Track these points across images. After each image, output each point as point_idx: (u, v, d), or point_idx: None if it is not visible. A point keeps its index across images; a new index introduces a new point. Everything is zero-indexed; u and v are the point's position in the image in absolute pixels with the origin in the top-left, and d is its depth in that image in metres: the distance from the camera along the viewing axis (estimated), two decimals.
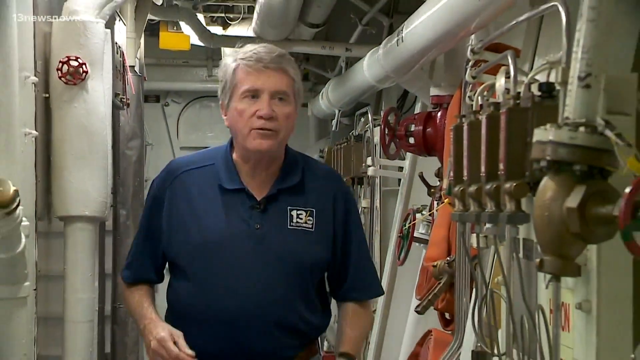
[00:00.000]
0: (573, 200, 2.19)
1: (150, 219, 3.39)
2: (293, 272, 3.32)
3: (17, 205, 2.96)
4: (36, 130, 4.18)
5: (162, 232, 3.34)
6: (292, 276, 3.31)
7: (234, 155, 3.36)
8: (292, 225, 3.31)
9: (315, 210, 3.34)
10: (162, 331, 3.15)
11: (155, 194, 3.40)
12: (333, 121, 8.78)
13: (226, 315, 3.25)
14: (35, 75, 4.18)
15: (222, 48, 9.58)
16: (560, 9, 2.57)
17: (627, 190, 2.04)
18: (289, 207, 3.32)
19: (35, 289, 4.02)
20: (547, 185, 2.27)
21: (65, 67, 4.47)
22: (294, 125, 3.32)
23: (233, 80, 3.24)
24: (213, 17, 9.03)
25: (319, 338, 3.60)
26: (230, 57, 3.34)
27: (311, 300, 3.40)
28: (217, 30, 9.12)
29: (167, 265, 3.48)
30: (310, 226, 3.33)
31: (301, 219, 3.31)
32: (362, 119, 7.86)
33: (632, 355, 1.90)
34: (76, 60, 4.49)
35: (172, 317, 3.38)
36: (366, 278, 3.57)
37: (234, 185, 3.31)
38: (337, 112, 8.66)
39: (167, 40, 9.67)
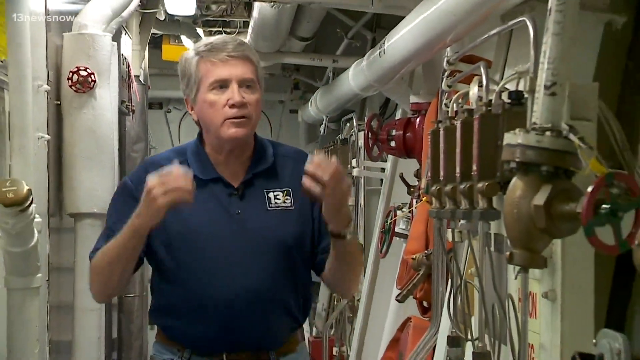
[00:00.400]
0: (540, 198, 2.20)
1: (125, 201, 3.04)
2: (279, 253, 3.09)
3: (30, 203, 2.97)
4: (48, 134, 4.18)
5: None
6: (279, 257, 3.09)
7: (206, 148, 3.13)
8: (272, 207, 3.10)
9: (292, 189, 3.12)
10: (145, 190, 2.81)
11: (131, 188, 3.07)
12: (321, 126, 8.78)
13: (214, 303, 3.01)
14: (47, 84, 4.18)
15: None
16: (528, 23, 2.59)
17: (590, 189, 2.05)
18: (265, 190, 3.11)
19: (47, 280, 4.03)
20: (516, 184, 2.28)
21: (75, 76, 4.47)
22: (260, 111, 3.14)
23: (197, 73, 3.04)
24: (211, 31, 9.00)
25: (302, 327, 3.43)
26: (189, 52, 3.16)
27: (299, 282, 3.17)
28: None
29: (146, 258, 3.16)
30: (290, 204, 3.12)
31: (279, 199, 3.11)
32: (348, 124, 7.87)
33: (594, 340, 1.91)
34: (85, 70, 4.49)
35: (159, 310, 3.18)
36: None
37: (209, 175, 3.08)
38: (325, 118, 8.65)
39: (169, 52, 9.68)
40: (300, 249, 3.16)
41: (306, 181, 2.80)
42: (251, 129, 3.07)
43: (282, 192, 3.12)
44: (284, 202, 3.11)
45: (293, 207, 3.11)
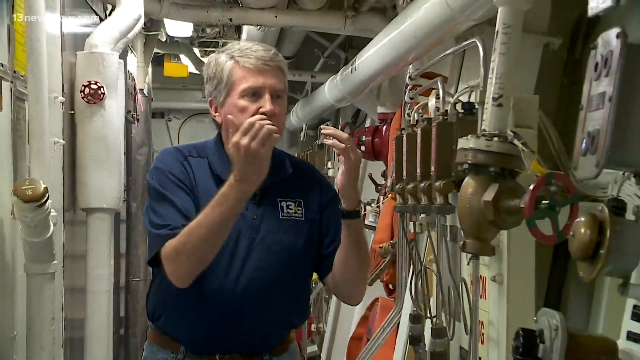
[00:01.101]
0: (489, 195, 2.20)
1: (184, 186, 2.68)
2: (288, 260, 2.76)
3: (47, 200, 2.95)
4: (63, 139, 4.16)
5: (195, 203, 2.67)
6: (287, 264, 2.76)
7: (227, 150, 2.67)
8: (284, 216, 2.77)
9: (303, 201, 2.82)
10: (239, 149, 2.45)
11: (176, 166, 2.71)
12: (301, 133, 8.76)
13: (225, 301, 2.66)
14: (62, 96, 4.16)
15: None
16: (479, 44, 2.59)
17: (531, 187, 2.05)
18: (278, 199, 2.78)
19: (62, 266, 4.01)
20: (469, 183, 2.27)
21: (87, 89, 4.45)
22: (285, 122, 2.86)
23: (230, 77, 2.68)
24: (206, 50, 8.98)
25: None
26: (223, 55, 2.75)
27: (302, 289, 2.90)
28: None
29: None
30: (301, 215, 2.79)
31: (291, 209, 2.79)
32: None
33: (535, 318, 1.90)
34: (96, 84, 4.47)
35: (165, 307, 2.77)
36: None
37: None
38: (304, 125, 8.63)
39: (170, 69, 9.65)
40: (306, 258, 2.85)
41: (327, 140, 2.64)
42: (277, 140, 2.63)
43: (295, 202, 2.82)
44: (296, 212, 2.81)
45: (304, 218, 2.81)
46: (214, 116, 2.80)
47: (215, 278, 2.65)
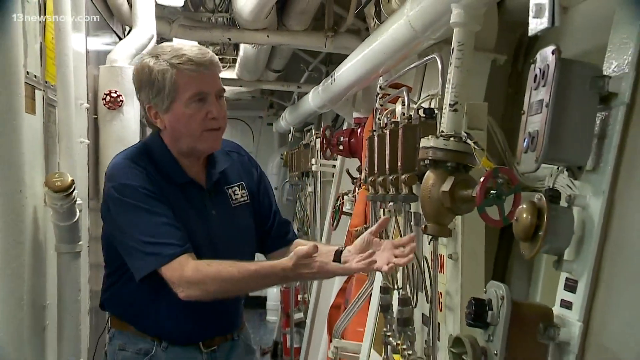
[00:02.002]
0: (446, 186, 2.20)
1: (161, 200, 2.40)
2: (246, 244, 2.61)
3: (73, 190, 2.94)
4: (88, 139, 4.15)
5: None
6: (246, 248, 2.60)
7: (173, 152, 2.49)
8: (234, 203, 2.57)
9: (245, 183, 2.61)
10: (314, 265, 2.26)
11: (145, 180, 2.41)
12: (289, 135, 8.75)
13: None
14: (87, 103, 4.15)
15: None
16: (437, 59, 2.59)
17: (481, 179, 2.06)
18: (225, 187, 2.57)
19: (88, 246, 4.00)
20: (429, 176, 2.28)
21: (108, 97, 4.45)
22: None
23: (172, 85, 2.36)
24: None
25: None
26: (160, 62, 2.39)
27: None
28: None
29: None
30: (246, 198, 2.58)
31: (237, 194, 2.57)
32: (308, 133, 7.83)
33: (484, 289, 1.90)
34: (115, 93, 4.46)
35: (142, 308, 2.50)
36: (287, 227, 2.81)
37: (184, 179, 2.48)
38: (292, 128, 8.63)
39: None
40: (255, 237, 2.69)
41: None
42: (221, 139, 2.52)
43: (238, 186, 2.60)
44: (242, 196, 2.59)
45: (249, 200, 2.60)
46: (155, 122, 2.49)
47: None
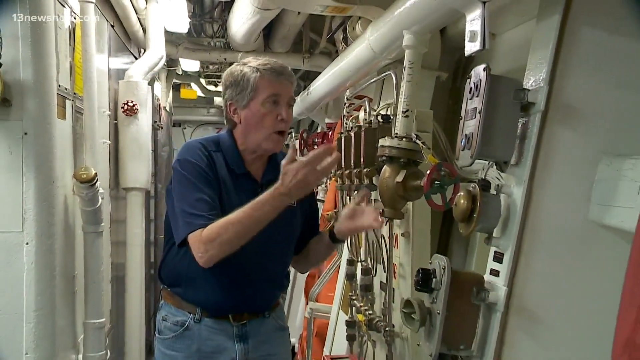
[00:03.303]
0: (399, 178, 2.20)
1: (211, 179, 2.23)
2: (285, 240, 2.42)
3: (96, 181, 2.91)
4: (109, 140, 4.11)
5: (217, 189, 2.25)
6: (285, 243, 2.42)
7: (239, 146, 2.33)
8: None
9: None
10: (291, 169, 2.04)
11: (201, 165, 2.24)
12: None
13: (238, 272, 2.26)
14: (109, 110, 4.11)
15: (214, 97, 9.56)
16: (393, 75, 2.58)
17: (428, 172, 2.06)
18: None
19: (110, 227, 3.96)
20: (386, 169, 2.27)
21: (126, 106, 4.41)
22: None
23: (254, 85, 2.25)
24: (210, 80, 8.87)
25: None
26: (246, 67, 2.30)
27: (289, 261, 2.52)
28: (211, 87, 8.99)
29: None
30: (294, 202, 2.18)
31: None
32: (290, 135, 7.83)
33: (430, 261, 1.91)
34: (132, 102, 4.42)
35: (182, 277, 2.33)
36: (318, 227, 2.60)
37: (242, 170, 2.31)
38: None
39: (184, 93, 9.51)
40: (295, 238, 2.48)
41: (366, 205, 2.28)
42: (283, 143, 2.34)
43: None
44: None
45: (295, 205, 2.22)
46: (232, 116, 2.33)
47: (238, 251, 2.15)
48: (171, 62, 7.07)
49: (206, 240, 2.12)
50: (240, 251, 2.14)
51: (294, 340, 5.88)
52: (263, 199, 2.08)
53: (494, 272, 1.81)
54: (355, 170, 2.84)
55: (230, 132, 2.38)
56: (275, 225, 2.15)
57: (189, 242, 2.17)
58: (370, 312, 2.86)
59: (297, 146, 6.26)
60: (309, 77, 7.14)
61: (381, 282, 2.87)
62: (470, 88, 1.78)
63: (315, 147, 5.38)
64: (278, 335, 2.46)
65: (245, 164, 2.34)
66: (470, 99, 1.78)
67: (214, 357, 2.33)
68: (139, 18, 4.90)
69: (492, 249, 1.84)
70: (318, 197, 5.43)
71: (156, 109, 5.98)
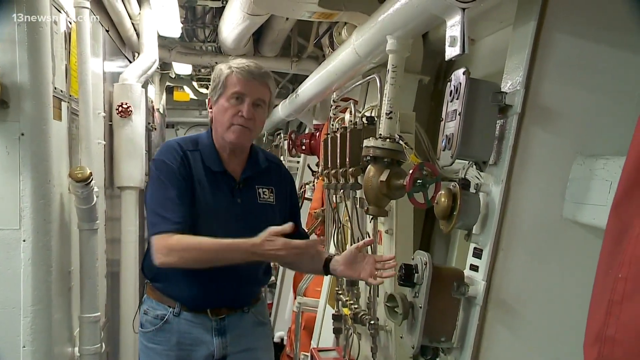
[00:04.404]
0: (383, 177, 2.20)
1: (182, 179, 2.24)
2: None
3: (91, 181, 2.89)
4: (104, 141, 4.09)
5: (191, 191, 2.26)
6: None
7: (215, 145, 2.34)
8: (261, 200, 2.36)
9: (274, 188, 2.40)
10: (277, 241, 2.10)
11: (177, 161, 2.26)
12: (263, 137, 8.71)
13: (217, 269, 2.18)
14: (104, 112, 4.08)
15: (205, 99, 9.53)
16: (377, 78, 2.59)
17: (410, 171, 2.06)
18: (256, 186, 2.36)
19: (105, 225, 3.94)
20: (370, 169, 2.28)
21: (120, 108, 4.38)
22: (263, 126, 2.38)
23: (225, 82, 2.28)
24: (202, 83, 8.84)
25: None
26: (225, 65, 2.35)
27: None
28: (203, 90, 8.97)
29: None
30: (273, 200, 2.36)
31: (265, 195, 2.37)
32: (278, 136, 7.81)
33: (412, 257, 1.91)
34: (126, 104, 4.39)
35: (162, 271, 2.26)
36: (302, 230, 2.53)
37: (218, 168, 2.30)
38: (265, 133, 8.59)
39: (177, 95, 9.48)
40: None
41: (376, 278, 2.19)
42: (249, 139, 2.32)
43: (268, 189, 2.39)
44: (269, 197, 2.38)
45: (275, 202, 2.36)
46: (209, 112, 2.37)
47: None
48: (164, 66, 7.04)
49: (171, 248, 2.14)
50: None
51: (282, 333, 5.90)
52: (239, 245, 2.11)
53: (474, 268, 1.82)
54: (341, 170, 2.84)
55: (210, 131, 2.38)
56: (254, 224, 2.17)
57: (151, 242, 2.19)
58: (356, 306, 2.87)
59: (286, 146, 6.26)
60: (297, 80, 7.14)
61: None
62: (451, 91, 1.79)
63: (303, 147, 5.37)
64: (258, 330, 2.44)
65: (223, 162, 2.33)
66: (451, 101, 1.79)
67: (193, 350, 2.33)
68: (133, 23, 4.88)
69: (472, 245, 1.85)
70: (306, 196, 5.42)
71: (150, 111, 5.94)
